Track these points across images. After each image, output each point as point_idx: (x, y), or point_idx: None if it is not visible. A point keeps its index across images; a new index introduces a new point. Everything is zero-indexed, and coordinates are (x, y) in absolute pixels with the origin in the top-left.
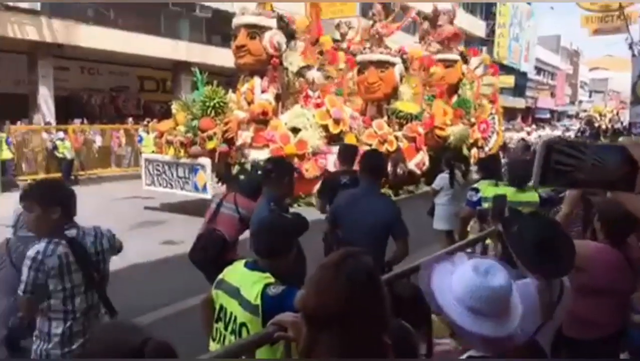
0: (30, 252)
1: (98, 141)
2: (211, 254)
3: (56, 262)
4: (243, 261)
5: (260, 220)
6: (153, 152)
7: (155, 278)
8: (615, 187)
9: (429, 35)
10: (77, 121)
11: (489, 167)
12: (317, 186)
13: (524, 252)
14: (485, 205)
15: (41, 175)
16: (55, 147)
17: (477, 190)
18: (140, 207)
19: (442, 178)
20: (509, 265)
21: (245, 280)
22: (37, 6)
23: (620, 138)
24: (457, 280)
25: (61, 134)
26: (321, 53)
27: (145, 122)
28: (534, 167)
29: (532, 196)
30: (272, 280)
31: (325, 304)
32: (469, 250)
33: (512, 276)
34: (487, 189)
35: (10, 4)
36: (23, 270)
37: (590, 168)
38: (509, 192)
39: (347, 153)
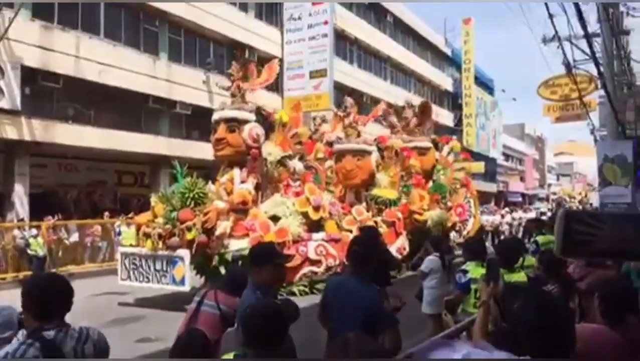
0: (0, 353)
1: (74, 237)
2: (192, 354)
3: None
4: (232, 354)
5: (251, 305)
6: (131, 244)
7: None
8: (636, 257)
9: (396, 127)
10: (51, 218)
11: (475, 249)
12: (299, 274)
13: (524, 332)
14: (474, 286)
15: (11, 274)
16: (27, 245)
17: (465, 272)
18: (114, 303)
19: (430, 261)
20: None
21: None
22: (18, 106)
23: None
24: None
25: (34, 231)
26: (299, 143)
27: (123, 216)
28: (555, 236)
29: (521, 276)
30: None
31: None
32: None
33: None
34: (476, 270)
35: None
36: None
37: (610, 238)
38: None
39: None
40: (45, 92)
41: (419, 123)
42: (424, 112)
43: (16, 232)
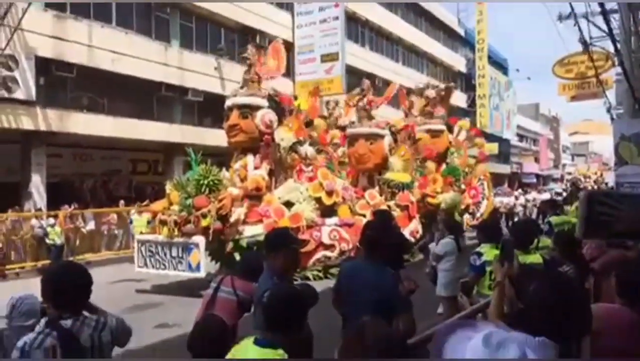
0: (19, 343)
1: (90, 225)
2: (211, 340)
3: (41, 355)
4: (252, 338)
5: (273, 291)
6: (141, 232)
7: None
8: None
9: (412, 108)
10: (68, 207)
11: (489, 231)
12: (313, 259)
13: (540, 312)
14: (489, 268)
15: (30, 263)
16: (45, 234)
17: (480, 254)
18: (131, 290)
19: (445, 244)
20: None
21: (258, 358)
22: (33, 97)
23: None
24: (469, 350)
25: (52, 220)
26: (307, 125)
27: (138, 204)
28: (578, 219)
29: (536, 257)
30: (286, 357)
31: None
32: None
33: (533, 346)
34: (490, 252)
35: (6, 95)
36: None
37: (630, 219)
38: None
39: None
40: (60, 82)
41: (442, 103)
42: (446, 95)
43: (34, 221)
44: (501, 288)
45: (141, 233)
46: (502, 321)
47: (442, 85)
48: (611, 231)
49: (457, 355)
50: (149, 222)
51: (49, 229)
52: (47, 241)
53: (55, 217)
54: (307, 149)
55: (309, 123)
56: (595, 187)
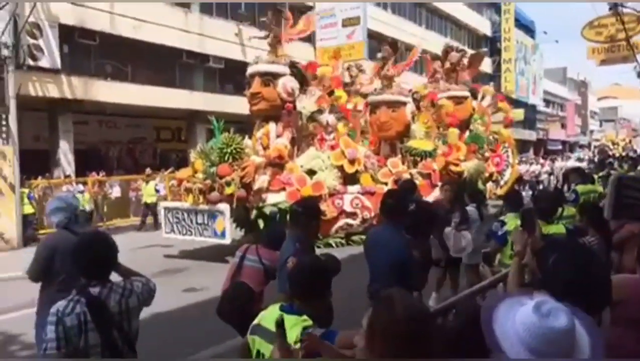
0: (53, 309)
1: (116, 192)
2: (239, 306)
3: (75, 320)
4: (278, 305)
5: (299, 260)
6: (151, 202)
7: (179, 326)
8: None
9: (437, 73)
10: (95, 174)
11: (515, 201)
12: (335, 227)
13: (560, 285)
14: (510, 238)
15: None
16: None
17: (503, 223)
18: (159, 255)
19: (469, 212)
20: None
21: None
22: (58, 65)
23: None
24: (519, 319)
25: (80, 187)
26: (330, 94)
27: (163, 171)
28: (606, 200)
29: (558, 228)
30: (310, 322)
31: None
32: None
33: (581, 317)
34: (513, 222)
35: (31, 63)
36: (48, 327)
37: None
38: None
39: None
40: (83, 49)
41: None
42: (475, 61)
43: (65, 187)
44: (520, 258)
45: (151, 202)
46: (522, 291)
47: (470, 51)
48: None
49: (507, 321)
50: (156, 190)
51: (78, 195)
52: None
53: (84, 183)
54: (328, 117)
55: (331, 93)
56: (624, 153)
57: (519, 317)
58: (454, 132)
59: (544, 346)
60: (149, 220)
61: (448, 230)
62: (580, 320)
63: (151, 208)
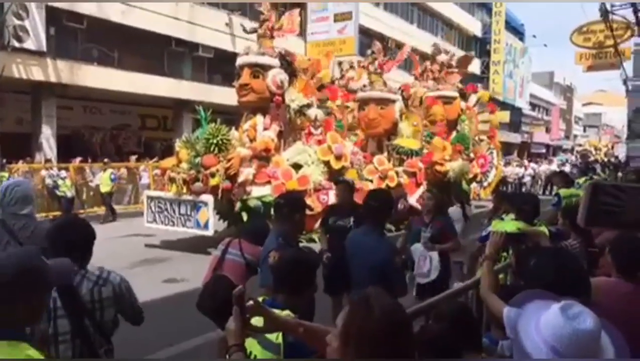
0: None
1: (98, 179)
2: (220, 299)
3: None
4: (260, 298)
5: (285, 254)
6: (105, 191)
7: (158, 317)
8: None
9: (426, 72)
10: (78, 159)
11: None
12: (319, 222)
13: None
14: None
15: (42, 214)
16: (56, 186)
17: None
18: (140, 245)
19: (453, 212)
20: None
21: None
22: (43, 47)
23: None
24: (544, 321)
25: (63, 172)
26: (320, 88)
27: (147, 159)
28: (580, 207)
29: (541, 230)
30: (292, 316)
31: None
32: None
33: (604, 324)
34: (497, 224)
35: (16, 44)
36: None
37: (635, 210)
38: (519, 226)
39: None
40: (70, 33)
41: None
42: (464, 63)
43: (44, 172)
44: (490, 262)
45: (107, 191)
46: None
47: (460, 53)
48: (615, 221)
49: (531, 322)
50: (111, 179)
51: (59, 182)
52: (58, 193)
53: (66, 169)
54: (316, 112)
55: (320, 88)
56: (605, 159)
57: (544, 319)
58: (438, 140)
59: (570, 348)
60: (101, 209)
61: (415, 247)
62: (603, 326)
63: (105, 198)
